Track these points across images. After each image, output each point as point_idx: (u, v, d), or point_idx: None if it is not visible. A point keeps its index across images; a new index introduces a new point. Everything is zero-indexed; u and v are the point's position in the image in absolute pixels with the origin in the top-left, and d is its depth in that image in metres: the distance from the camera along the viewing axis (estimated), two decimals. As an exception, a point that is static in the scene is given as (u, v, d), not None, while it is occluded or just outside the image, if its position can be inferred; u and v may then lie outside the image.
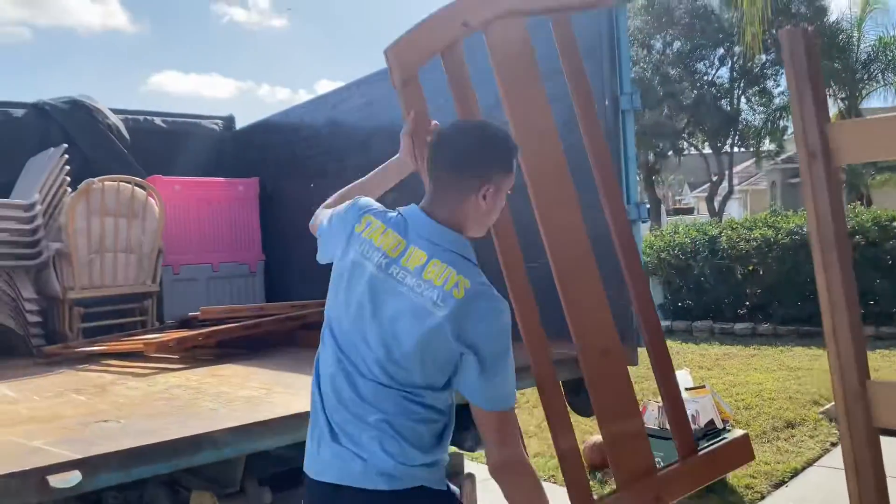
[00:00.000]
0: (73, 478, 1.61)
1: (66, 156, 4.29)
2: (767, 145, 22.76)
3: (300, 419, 2.01)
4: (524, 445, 1.59)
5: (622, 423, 2.25)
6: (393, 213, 1.58)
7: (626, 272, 2.49)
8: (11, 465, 1.63)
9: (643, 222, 3.00)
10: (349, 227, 1.58)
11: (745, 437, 2.89)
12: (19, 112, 4.93)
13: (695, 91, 20.89)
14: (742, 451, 2.72)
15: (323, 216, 1.77)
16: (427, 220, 1.51)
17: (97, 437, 1.84)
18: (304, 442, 2.06)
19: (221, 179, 5.17)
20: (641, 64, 20.73)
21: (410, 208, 1.57)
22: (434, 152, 1.58)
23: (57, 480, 1.58)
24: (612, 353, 2.24)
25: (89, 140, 4.97)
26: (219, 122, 5.75)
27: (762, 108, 21.92)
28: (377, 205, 1.64)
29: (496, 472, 1.51)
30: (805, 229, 9.81)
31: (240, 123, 5.82)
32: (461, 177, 1.52)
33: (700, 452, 2.50)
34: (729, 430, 4.52)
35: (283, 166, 5.10)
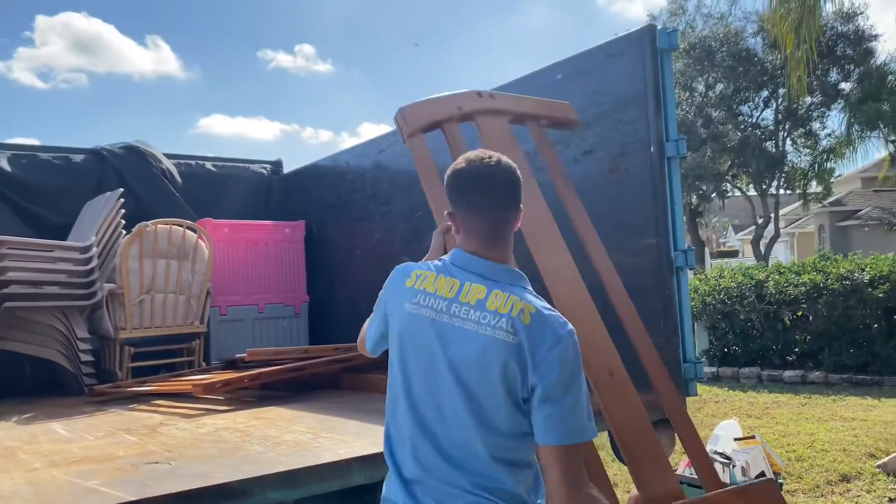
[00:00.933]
0: (127, 520, 1.63)
1: (122, 199, 4.44)
2: (814, 187, 22.37)
3: (348, 465, 2.02)
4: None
5: (640, 443, 2.26)
6: (437, 262, 1.56)
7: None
8: (68, 505, 1.67)
9: (690, 269, 2.97)
10: (400, 285, 1.56)
11: (773, 482, 2.84)
12: (78, 157, 5.14)
13: (738, 133, 20.72)
14: (770, 495, 2.66)
15: (366, 324, 1.75)
16: (477, 260, 1.49)
17: (149, 479, 1.87)
18: (352, 488, 2.06)
19: (269, 222, 5.29)
20: (684, 106, 20.69)
21: (453, 253, 1.55)
22: (470, 192, 1.52)
23: (111, 522, 1.61)
24: (616, 374, 2.34)
25: (143, 184, 5.14)
26: (267, 166, 5.90)
27: (808, 150, 21.61)
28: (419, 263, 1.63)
29: None
30: (856, 274, 9.57)
31: (284, 164, 5.96)
32: (507, 212, 1.52)
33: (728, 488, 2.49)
34: (781, 483, 4.37)
35: (328, 209, 5.20)
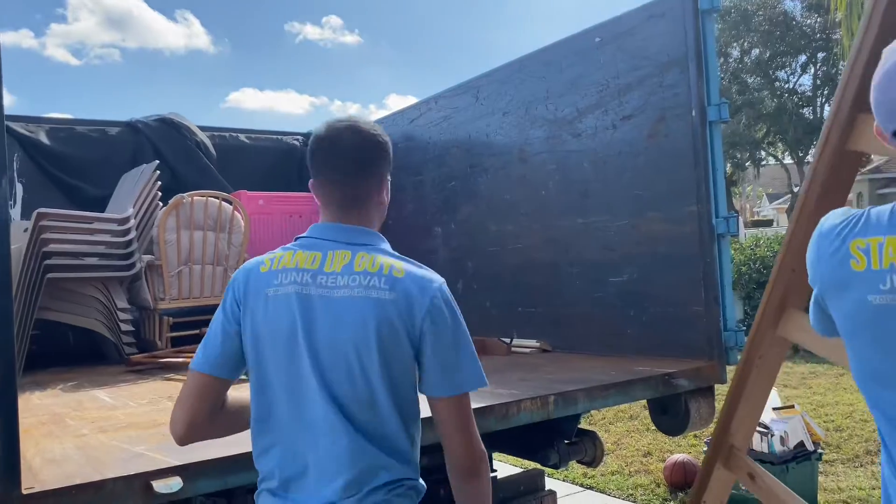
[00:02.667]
0: (174, 483, 1.65)
1: (158, 171, 4.48)
2: (853, 155, 21.81)
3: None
4: None
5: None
6: (289, 244, 1.44)
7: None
8: (118, 469, 1.70)
9: (732, 236, 2.91)
10: (254, 279, 1.40)
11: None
12: (113, 130, 5.18)
13: (775, 99, 20.25)
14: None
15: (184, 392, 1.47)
16: (338, 227, 1.42)
17: (193, 445, 1.89)
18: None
19: (303, 194, 5.30)
20: (719, 72, 20.27)
21: (310, 228, 1.45)
22: (317, 159, 1.43)
23: (161, 486, 1.63)
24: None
25: (178, 156, 5.18)
26: (299, 137, 5.90)
27: (847, 116, 21.05)
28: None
29: (469, 475, 1.40)
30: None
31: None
32: (356, 179, 1.43)
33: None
34: (821, 453, 4.32)
35: (361, 180, 5.18)
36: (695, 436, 5.44)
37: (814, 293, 1.27)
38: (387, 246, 1.44)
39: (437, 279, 1.39)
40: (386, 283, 1.32)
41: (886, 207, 1.15)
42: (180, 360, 3.77)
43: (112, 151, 5.06)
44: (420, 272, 1.38)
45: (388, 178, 1.50)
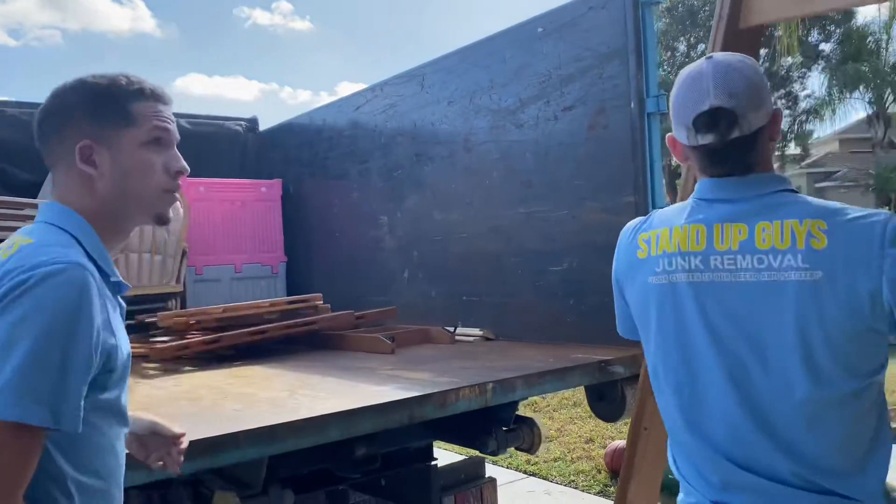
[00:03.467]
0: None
1: (93, 156, 4.34)
2: (793, 149, 22.51)
3: (323, 421, 2.01)
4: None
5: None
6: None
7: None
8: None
9: (669, 227, 2.96)
10: None
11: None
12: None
13: (719, 94, 20.77)
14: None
15: None
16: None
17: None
18: (327, 445, 2.06)
19: (245, 181, 5.21)
20: (665, 66, 20.60)
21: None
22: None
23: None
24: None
25: (116, 141, 5.03)
26: (242, 123, 5.79)
27: (788, 112, 21.70)
28: None
29: None
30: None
31: (263, 125, 5.86)
32: (43, 151, 1.24)
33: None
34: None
35: (305, 168, 5.13)
36: (636, 422, 5.56)
37: (614, 290, 1.46)
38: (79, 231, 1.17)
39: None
40: None
41: (669, 207, 1.38)
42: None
43: None
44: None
45: (107, 139, 1.18)
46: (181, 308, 4.59)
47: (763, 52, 19.39)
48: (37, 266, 1.02)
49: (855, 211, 1.15)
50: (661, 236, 1.29)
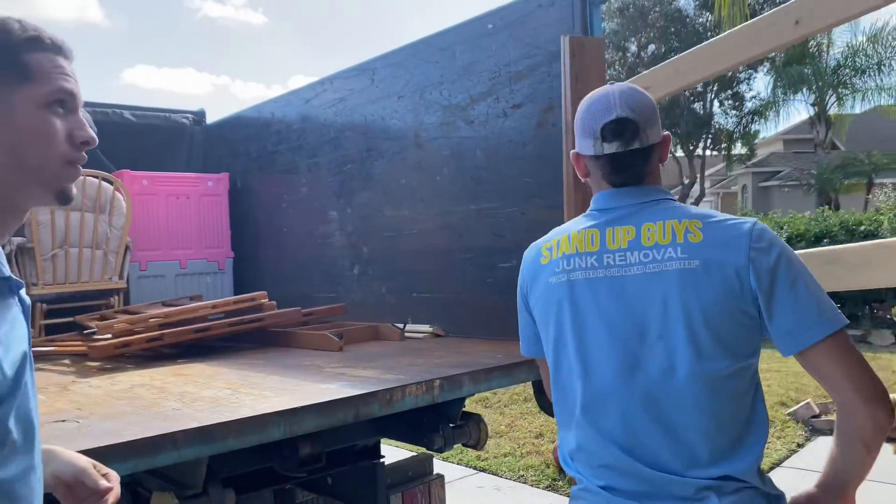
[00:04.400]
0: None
1: (30, 148, 4.18)
2: (739, 149, 23.08)
3: (265, 420, 1.98)
4: None
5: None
6: None
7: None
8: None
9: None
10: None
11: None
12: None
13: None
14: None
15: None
16: None
17: (53, 438, 1.78)
18: (270, 443, 2.02)
19: (191, 175, 5.09)
20: (616, 66, 20.89)
21: None
22: None
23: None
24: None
25: (55, 132, 4.86)
26: (189, 116, 5.66)
27: (735, 112, 22.24)
28: None
29: None
30: (775, 233, 9.99)
31: (213, 119, 5.74)
32: None
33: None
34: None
35: (253, 162, 5.04)
36: (585, 417, 5.62)
37: (518, 303, 1.59)
38: None
39: None
40: None
41: (566, 223, 1.53)
42: (41, 350, 3.52)
43: None
44: None
45: None
46: (124, 304, 4.46)
47: (711, 53, 19.83)
48: None
49: (726, 216, 1.33)
50: (560, 242, 1.45)
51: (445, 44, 3.59)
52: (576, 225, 1.45)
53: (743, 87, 21.70)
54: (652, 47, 21.36)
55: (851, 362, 1.20)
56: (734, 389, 1.26)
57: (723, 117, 22.38)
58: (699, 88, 21.80)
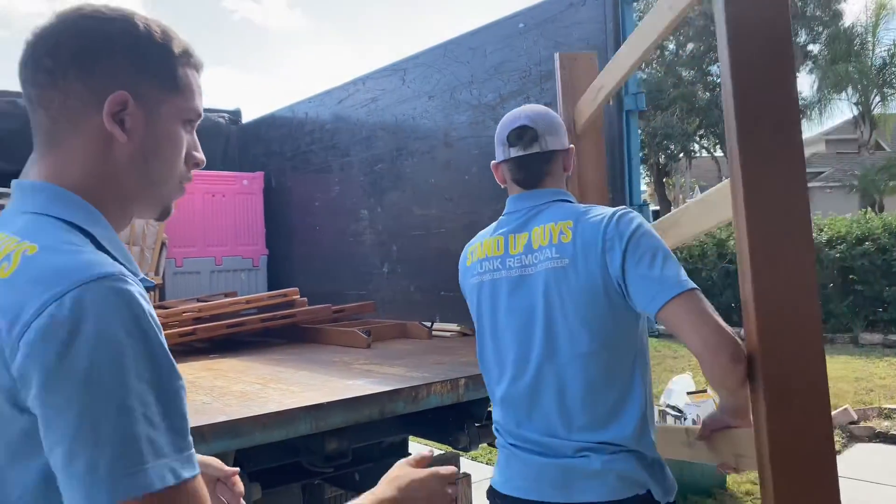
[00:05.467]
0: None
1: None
2: (779, 149, 22.57)
3: (292, 415, 2.01)
4: None
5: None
6: None
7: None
8: None
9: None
10: None
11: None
12: (24, 101, 4.93)
13: (708, 93, 20.78)
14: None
15: None
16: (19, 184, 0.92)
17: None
18: (297, 438, 2.05)
19: (226, 173, 5.18)
20: (654, 65, 20.64)
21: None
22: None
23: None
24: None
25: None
26: (225, 115, 5.75)
27: (775, 112, 21.77)
28: None
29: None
30: (815, 235, 9.76)
31: (247, 118, 5.82)
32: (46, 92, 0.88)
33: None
34: (730, 436, 4.48)
35: (288, 161, 5.10)
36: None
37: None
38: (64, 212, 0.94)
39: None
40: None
41: (488, 227, 1.70)
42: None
43: (23, 124, 4.81)
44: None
45: (149, 100, 0.90)
46: (159, 300, 4.56)
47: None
48: (75, 285, 0.73)
49: (599, 210, 1.51)
50: (477, 247, 1.67)
51: (476, 43, 3.59)
52: (489, 232, 1.67)
53: (784, 86, 21.26)
54: (691, 46, 21.05)
55: (699, 320, 1.34)
56: (608, 367, 1.47)
57: (763, 117, 21.98)
58: (739, 87, 21.43)
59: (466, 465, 3.38)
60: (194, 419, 1.89)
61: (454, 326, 3.57)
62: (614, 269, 1.43)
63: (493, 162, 1.70)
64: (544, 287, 1.50)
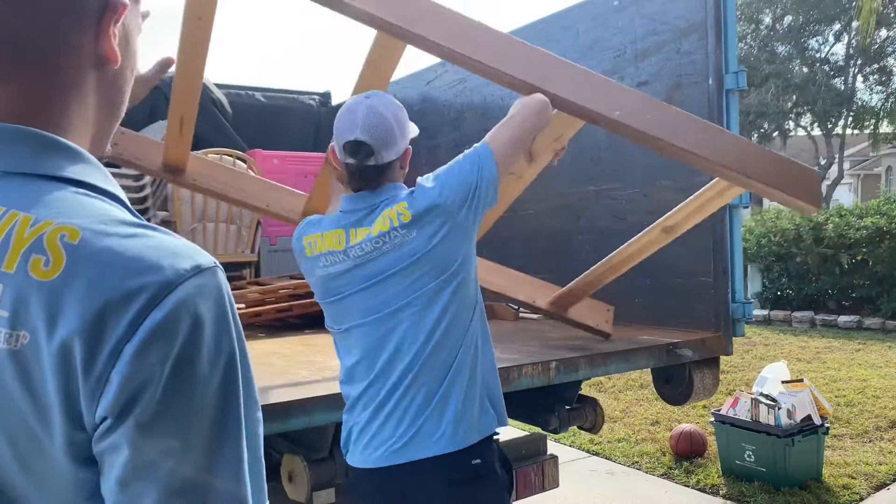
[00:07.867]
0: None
1: (174, 129, 4.48)
2: (885, 127, 21.30)
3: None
4: None
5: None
6: None
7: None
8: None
9: (744, 207, 2.87)
10: None
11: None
12: (130, 86, 5.18)
13: (805, 69, 19.76)
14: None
15: None
16: None
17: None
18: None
19: (318, 154, 5.30)
20: (748, 40, 19.76)
21: None
22: None
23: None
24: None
25: (195, 114, 5.18)
26: (316, 97, 5.88)
27: (881, 88, 20.51)
28: None
29: None
30: (923, 218, 9.18)
31: (337, 99, 5.93)
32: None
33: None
34: (828, 427, 4.31)
35: (376, 142, 5.17)
36: (704, 406, 5.45)
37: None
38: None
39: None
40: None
41: (320, 217, 1.78)
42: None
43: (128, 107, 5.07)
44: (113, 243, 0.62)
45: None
46: (255, 277, 4.73)
47: (854, 24, 18.33)
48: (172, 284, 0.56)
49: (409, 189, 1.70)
50: (317, 240, 1.72)
51: (568, 22, 3.53)
52: (328, 226, 1.72)
53: (891, 60, 19.98)
54: (789, 18, 20.02)
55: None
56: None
57: (866, 93, 20.76)
58: (840, 62, 20.29)
59: (552, 447, 3.38)
60: (298, 392, 1.97)
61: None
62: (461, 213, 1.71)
63: (331, 145, 1.75)
64: (389, 264, 1.65)
